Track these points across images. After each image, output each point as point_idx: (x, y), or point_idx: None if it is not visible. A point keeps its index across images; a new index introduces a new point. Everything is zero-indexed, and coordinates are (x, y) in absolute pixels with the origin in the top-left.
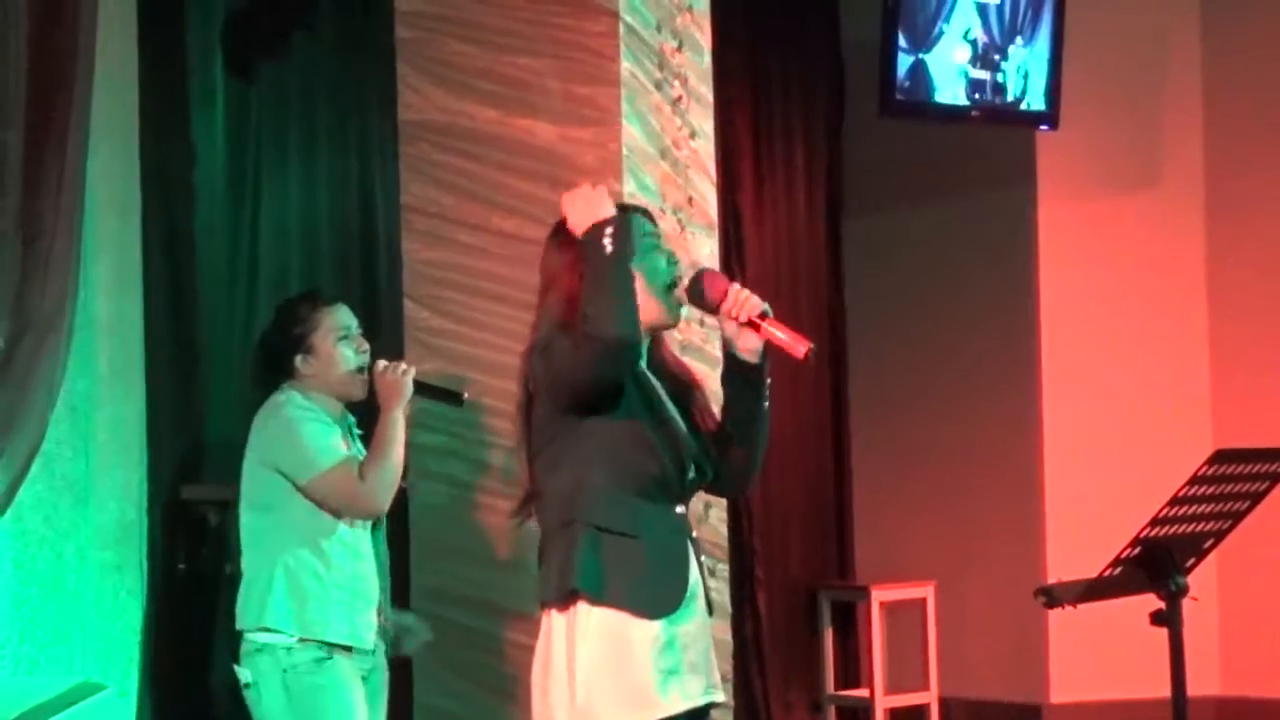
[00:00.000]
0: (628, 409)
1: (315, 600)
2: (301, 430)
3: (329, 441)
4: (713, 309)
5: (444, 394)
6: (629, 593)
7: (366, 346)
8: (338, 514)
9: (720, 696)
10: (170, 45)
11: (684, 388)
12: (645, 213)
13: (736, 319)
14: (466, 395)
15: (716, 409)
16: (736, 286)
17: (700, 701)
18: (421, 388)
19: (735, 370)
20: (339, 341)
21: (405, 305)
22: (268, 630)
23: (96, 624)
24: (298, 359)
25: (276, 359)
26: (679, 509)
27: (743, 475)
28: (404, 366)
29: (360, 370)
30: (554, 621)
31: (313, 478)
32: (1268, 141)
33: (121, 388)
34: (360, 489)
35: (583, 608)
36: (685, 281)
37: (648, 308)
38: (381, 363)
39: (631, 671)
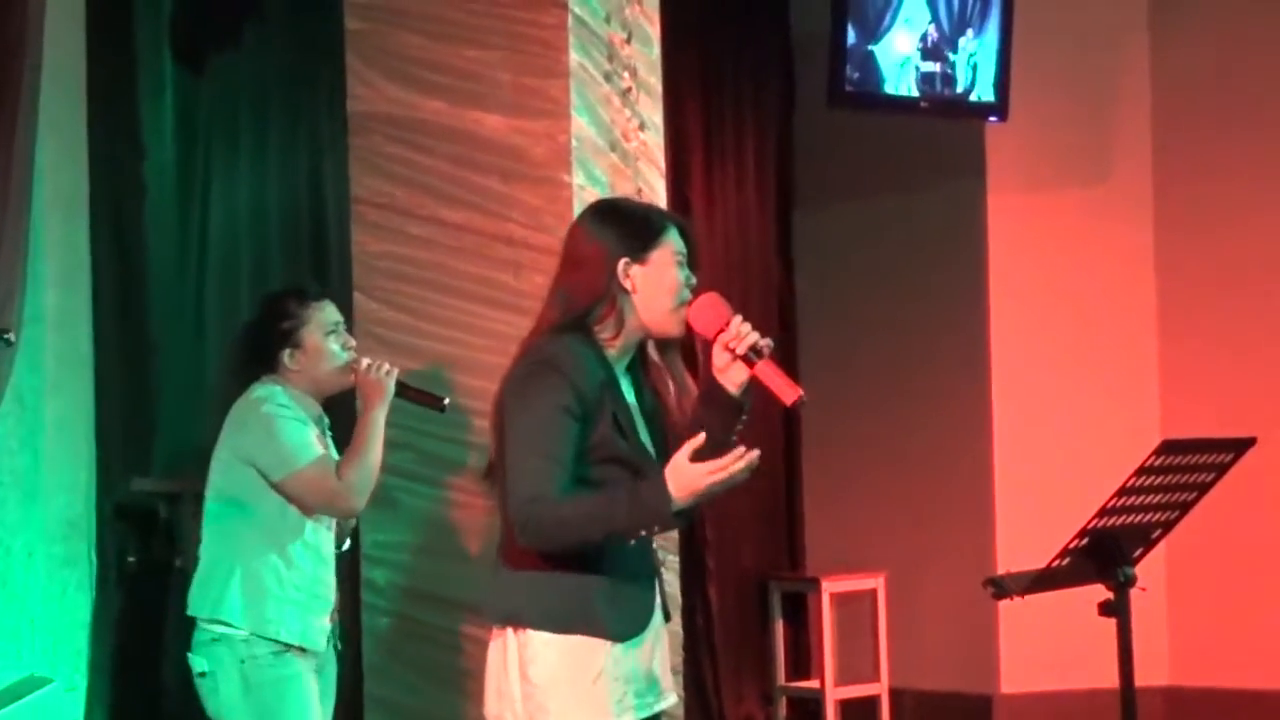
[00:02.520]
0: (600, 425)
1: (273, 599)
2: (280, 427)
3: (306, 439)
4: (710, 337)
5: (426, 397)
6: (588, 622)
7: (353, 343)
8: (312, 512)
9: (673, 699)
10: (119, 37)
11: (659, 397)
12: (684, 228)
13: (732, 350)
14: (448, 401)
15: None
16: (739, 318)
17: (653, 710)
18: (403, 389)
19: (714, 399)
20: (328, 336)
21: (355, 298)
22: (221, 623)
23: (45, 618)
24: (285, 353)
25: (261, 352)
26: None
27: None
28: (387, 367)
29: (347, 365)
30: (507, 639)
31: (288, 475)
32: (1215, 135)
33: (69, 381)
34: (337, 488)
35: (539, 634)
36: (692, 303)
37: (662, 313)
38: (365, 361)
39: (586, 683)
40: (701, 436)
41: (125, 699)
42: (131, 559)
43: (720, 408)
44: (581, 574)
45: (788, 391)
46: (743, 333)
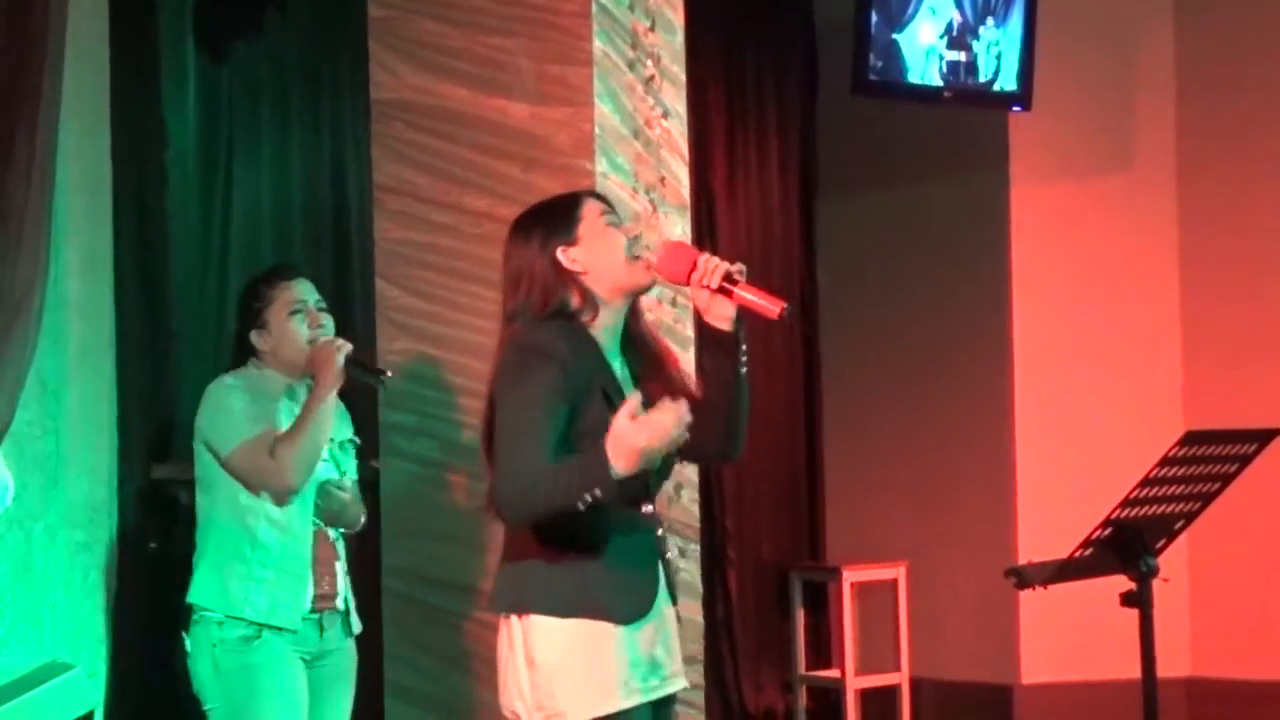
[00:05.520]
0: (592, 408)
1: (238, 578)
2: (226, 405)
3: (250, 415)
4: (684, 280)
5: (370, 372)
6: (590, 606)
7: (323, 321)
8: (253, 490)
9: (682, 683)
10: (142, 24)
11: (654, 364)
12: (600, 197)
13: (708, 287)
14: (390, 374)
15: (692, 385)
16: (705, 255)
17: (660, 694)
18: (351, 364)
19: (711, 340)
20: (291, 316)
21: (377, 285)
22: (198, 607)
23: (65, 603)
24: (253, 335)
25: (240, 337)
26: (646, 507)
27: (730, 443)
28: (340, 342)
29: (314, 344)
30: (512, 626)
31: (229, 451)
32: (1240, 125)
33: (92, 367)
34: (269, 466)
35: (543, 619)
36: (655, 254)
37: (617, 271)
38: (322, 338)
39: (591, 666)
40: (637, 397)
41: (145, 684)
42: (153, 545)
43: (720, 348)
44: (583, 561)
45: (772, 306)
46: (712, 266)
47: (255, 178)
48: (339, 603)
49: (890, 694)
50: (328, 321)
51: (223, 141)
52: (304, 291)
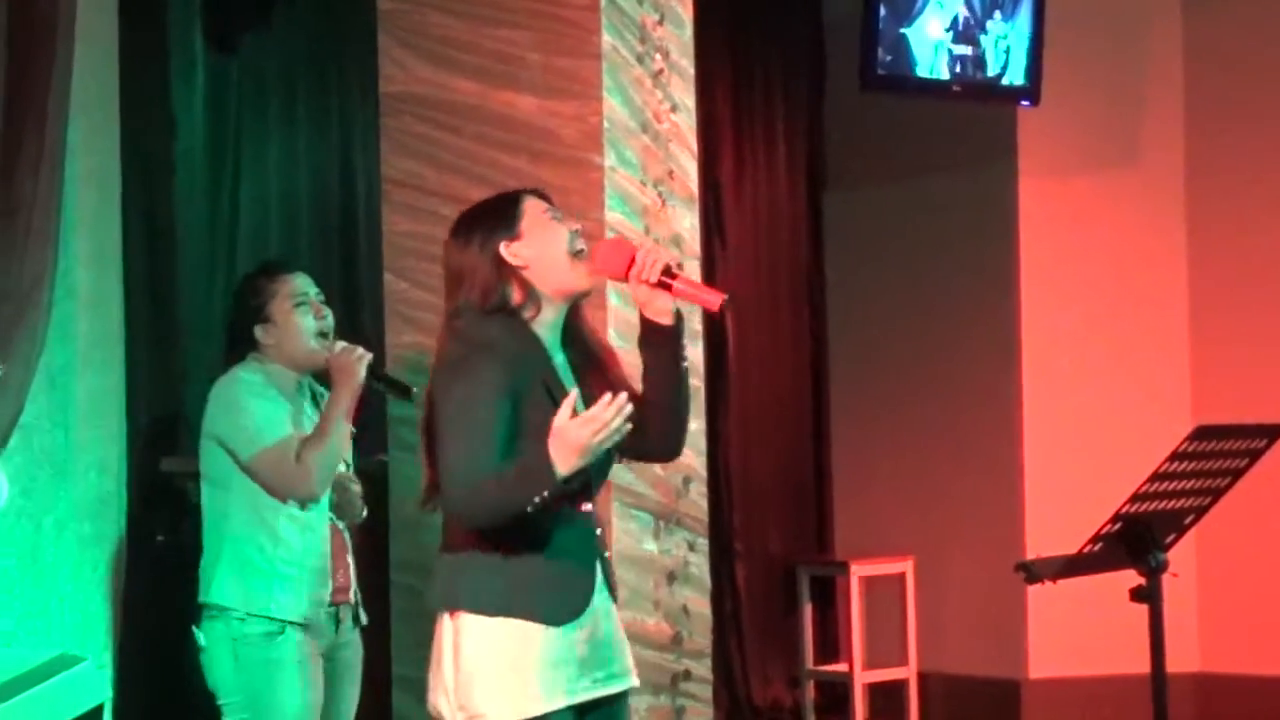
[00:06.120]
0: (534, 403)
1: (262, 576)
2: (245, 406)
3: (272, 418)
4: (622, 276)
5: (395, 385)
6: (520, 606)
7: (326, 312)
8: (276, 495)
9: (626, 683)
10: (150, 17)
11: (593, 362)
12: (542, 194)
13: (647, 281)
14: (416, 390)
15: (634, 382)
16: (644, 249)
17: (592, 695)
18: (374, 375)
19: (651, 335)
20: (295, 308)
21: (385, 278)
22: (219, 606)
23: (74, 596)
24: (257, 330)
25: (239, 332)
26: (585, 505)
27: (671, 439)
28: (360, 351)
29: (322, 335)
30: (444, 623)
31: (252, 455)
32: (1248, 119)
33: (101, 360)
34: (294, 470)
35: (473, 618)
36: (592, 252)
37: (560, 273)
38: (340, 344)
39: (516, 667)
40: (574, 395)
41: (151, 678)
42: (161, 538)
43: (661, 343)
44: (520, 556)
45: (712, 299)
46: (650, 260)
47: (263, 171)
48: (351, 595)
49: (898, 688)
50: (328, 314)
51: (231, 135)
52: (305, 284)
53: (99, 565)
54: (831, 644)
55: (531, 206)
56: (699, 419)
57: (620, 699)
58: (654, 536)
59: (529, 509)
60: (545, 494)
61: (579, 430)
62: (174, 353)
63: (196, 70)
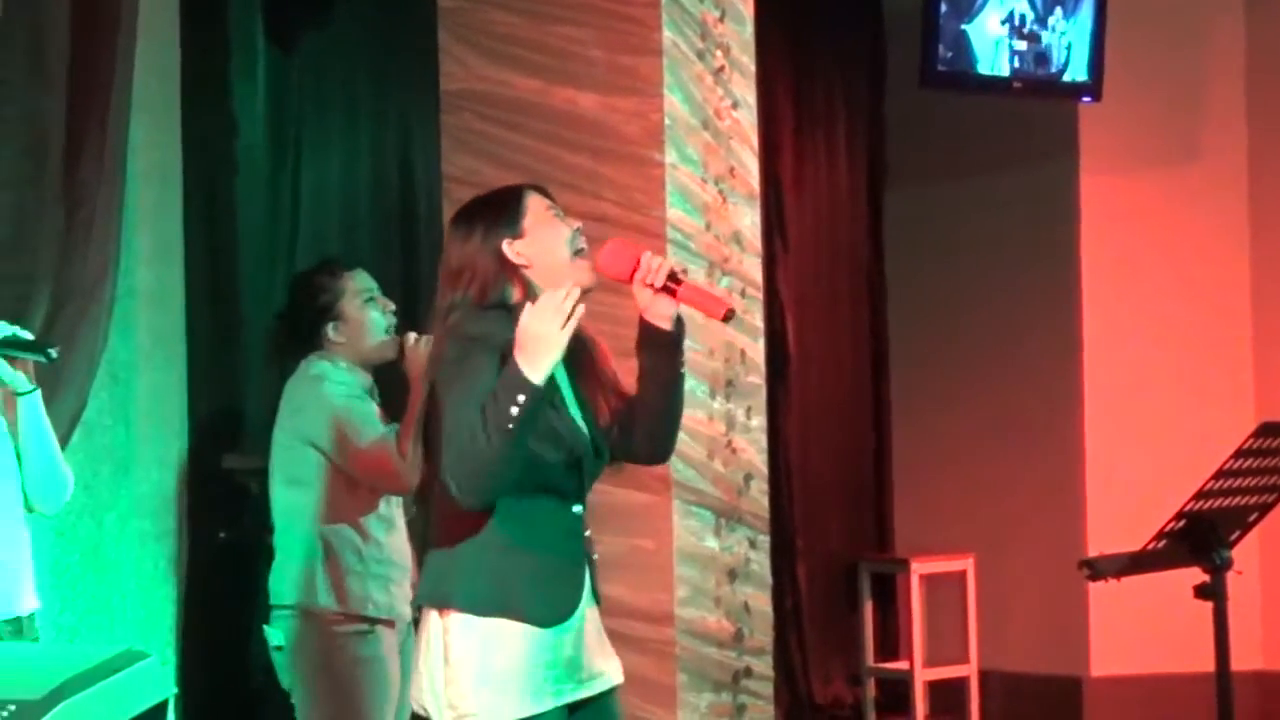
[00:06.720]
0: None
1: (355, 576)
2: (340, 406)
3: (369, 417)
4: (626, 278)
5: None
6: (509, 605)
7: (392, 306)
8: (380, 490)
9: (613, 681)
10: (212, 14)
11: (585, 359)
12: (543, 190)
13: (652, 286)
14: None
15: (626, 379)
16: (649, 253)
17: (580, 695)
18: None
19: (650, 339)
20: (366, 304)
21: None
22: (303, 606)
23: (136, 593)
24: (329, 328)
25: (305, 330)
26: (575, 508)
27: (659, 443)
28: None
29: (389, 331)
30: (432, 620)
31: (355, 454)
32: None
33: (162, 357)
34: (400, 467)
35: (463, 616)
36: (598, 253)
37: (561, 272)
38: (412, 336)
39: (505, 668)
40: (543, 299)
41: (212, 675)
42: (222, 535)
43: (660, 347)
44: (508, 555)
45: (716, 307)
46: (655, 265)
47: (324, 168)
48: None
49: (959, 686)
50: (392, 307)
51: (291, 132)
52: (367, 280)
53: (160, 561)
54: (892, 641)
55: (534, 204)
56: (759, 415)
57: (609, 695)
58: (715, 534)
59: (512, 426)
60: (521, 398)
61: (536, 319)
62: (235, 349)
63: (257, 68)
